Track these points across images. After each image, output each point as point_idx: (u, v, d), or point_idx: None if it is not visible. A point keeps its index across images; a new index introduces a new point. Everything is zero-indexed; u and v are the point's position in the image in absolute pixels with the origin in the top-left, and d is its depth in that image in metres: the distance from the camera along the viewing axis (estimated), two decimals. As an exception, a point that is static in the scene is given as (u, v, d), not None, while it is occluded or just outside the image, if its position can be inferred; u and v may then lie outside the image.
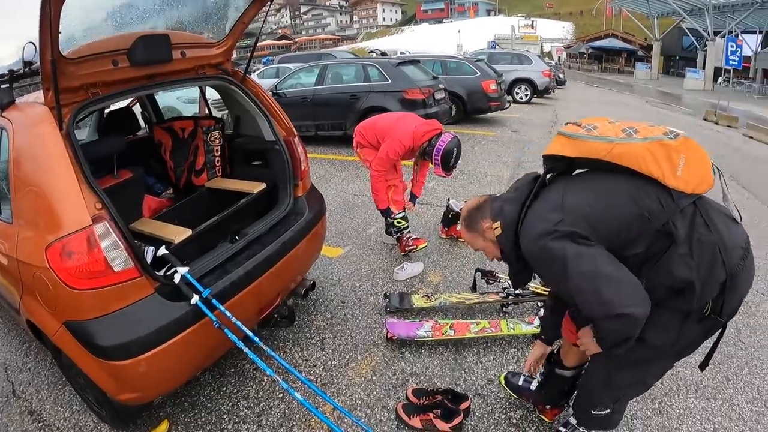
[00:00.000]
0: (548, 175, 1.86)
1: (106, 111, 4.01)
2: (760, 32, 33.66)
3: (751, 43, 32.51)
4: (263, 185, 3.27)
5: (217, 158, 3.66)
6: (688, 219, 1.64)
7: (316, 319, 3.48)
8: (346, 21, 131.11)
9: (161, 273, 2.24)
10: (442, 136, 4.01)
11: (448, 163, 3.98)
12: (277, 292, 2.89)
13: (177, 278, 2.18)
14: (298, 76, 10.09)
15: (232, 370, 2.99)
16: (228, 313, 2.23)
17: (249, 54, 3.52)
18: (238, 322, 2.25)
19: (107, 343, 2.00)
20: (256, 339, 2.31)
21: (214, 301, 2.22)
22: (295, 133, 3.38)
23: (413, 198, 4.64)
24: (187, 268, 2.25)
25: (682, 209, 1.65)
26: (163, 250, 2.31)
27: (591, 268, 1.60)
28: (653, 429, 2.55)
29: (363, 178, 6.91)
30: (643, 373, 1.98)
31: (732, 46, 17.29)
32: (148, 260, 2.30)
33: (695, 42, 39.43)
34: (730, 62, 17.16)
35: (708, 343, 1.88)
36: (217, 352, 2.58)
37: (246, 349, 2.23)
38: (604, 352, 1.80)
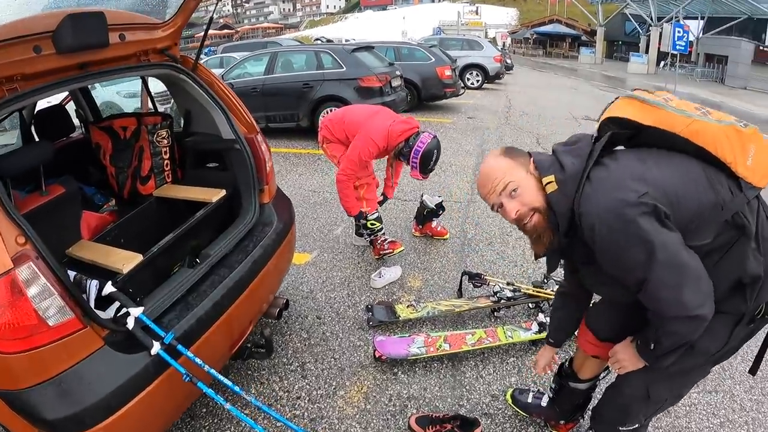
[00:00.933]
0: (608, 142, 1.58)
1: (35, 111, 3.39)
2: (702, 18, 35.42)
3: (693, 29, 34.14)
4: (223, 192, 2.80)
5: (165, 161, 3.16)
6: (755, 212, 1.50)
7: (291, 341, 3.08)
8: (289, 9, 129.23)
9: (109, 315, 1.80)
10: (421, 136, 3.66)
11: (427, 165, 3.66)
12: (249, 320, 2.48)
13: (131, 323, 1.73)
14: (245, 65, 9.55)
15: (204, 410, 2.54)
16: (198, 361, 1.82)
17: (199, 43, 3.06)
18: (212, 371, 1.85)
19: (54, 416, 1.57)
20: (236, 389, 1.92)
21: (179, 347, 1.80)
22: (257, 128, 2.95)
23: (384, 200, 4.31)
24: (141, 309, 1.79)
25: (749, 201, 1.49)
26: (109, 288, 1.83)
27: (678, 260, 1.39)
28: (664, 430, 2.45)
29: (321, 173, 6.54)
30: (680, 384, 1.81)
31: (679, 32, 17.85)
32: (92, 298, 1.85)
33: (638, 27, 41.07)
34: (677, 47, 17.79)
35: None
36: (186, 403, 2.17)
37: (220, 400, 1.82)
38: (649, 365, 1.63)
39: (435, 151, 3.65)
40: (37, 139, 3.23)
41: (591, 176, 1.47)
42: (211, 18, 3.11)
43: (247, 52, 13.84)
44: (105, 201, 3.27)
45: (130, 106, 8.07)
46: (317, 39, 36.48)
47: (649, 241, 1.36)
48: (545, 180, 1.56)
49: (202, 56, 2.98)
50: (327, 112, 8.32)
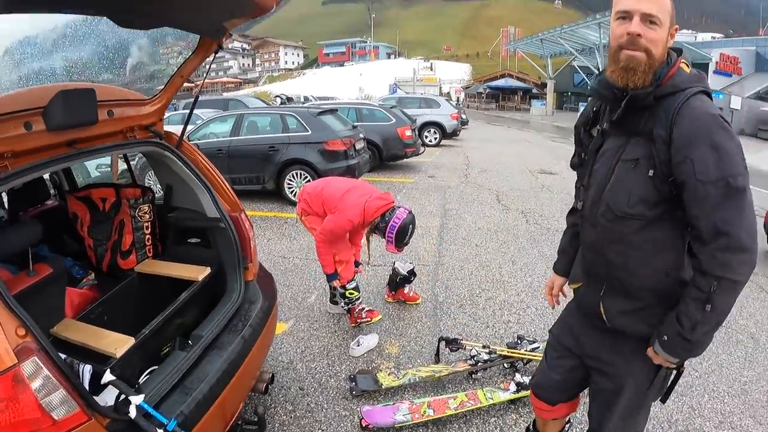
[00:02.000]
0: None
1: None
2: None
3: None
4: (208, 270, 2.82)
5: (147, 236, 3.15)
6: None
7: (277, 413, 3.07)
8: (249, 64, 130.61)
9: (108, 402, 1.80)
10: (397, 211, 3.76)
11: (402, 240, 3.76)
12: (241, 399, 2.49)
13: (133, 411, 1.73)
14: (211, 125, 9.60)
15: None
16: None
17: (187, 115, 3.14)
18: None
19: None
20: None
21: (182, 432, 1.81)
22: (241, 207, 3.02)
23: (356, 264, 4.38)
24: (142, 397, 1.79)
25: None
26: (108, 376, 1.81)
27: (748, 195, 1.48)
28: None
29: (290, 238, 6.57)
30: (635, 424, 1.89)
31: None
32: (86, 384, 1.85)
33: (586, 78, 43.46)
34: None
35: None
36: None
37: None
38: (687, 349, 1.60)
39: (410, 226, 3.77)
40: (6, 206, 3.18)
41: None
42: (197, 97, 3.24)
43: (208, 109, 13.92)
44: (84, 274, 3.18)
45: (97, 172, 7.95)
46: (277, 96, 36.92)
47: (738, 159, 1.46)
48: (683, 60, 1.63)
49: (184, 129, 3.03)
50: (295, 175, 8.49)
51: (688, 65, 1.63)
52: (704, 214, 1.46)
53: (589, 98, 1.89)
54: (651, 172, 1.56)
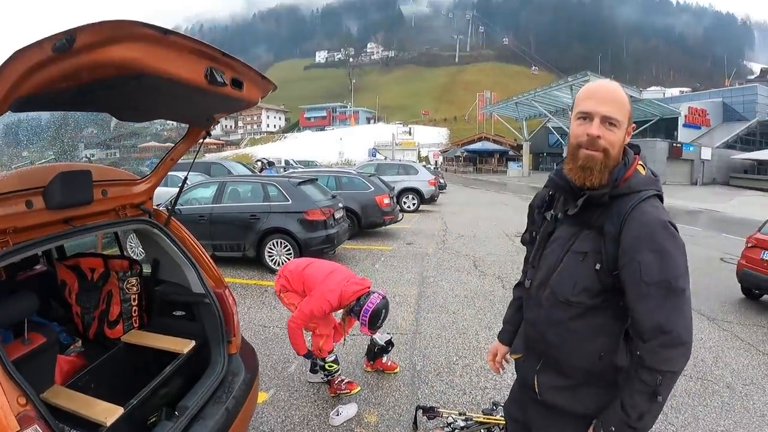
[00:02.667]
0: None
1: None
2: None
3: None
4: (192, 343, 2.94)
5: (134, 307, 3.27)
6: None
7: (256, 486, 3.12)
8: (231, 126, 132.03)
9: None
10: (371, 296, 3.96)
11: (375, 323, 3.94)
12: (223, 471, 2.56)
13: None
14: (194, 191, 9.75)
15: None
16: None
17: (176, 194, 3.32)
18: None
19: None
20: None
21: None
22: (225, 283, 3.17)
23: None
24: None
25: None
26: None
27: (687, 284, 1.60)
28: None
29: (270, 306, 6.64)
30: None
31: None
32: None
33: (560, 138, 44.94)
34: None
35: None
36: None
37: None
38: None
39: (383, 310, 3.95)
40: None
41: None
42: (185, 179, 3.42)
43: (192, 173, 14.04)
44: (71, 341, 3.27)
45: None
46: (258, 160, 37.37)
47: (680, 255, 1.58)
48: (639, 162, 1.74)
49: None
50: (276, 244, 8.62)
51: (644, 166, 1.75)
52: (647, 312, 1.57)
53: (547, 180, 1.97)
54: (598, 266, 1.66)
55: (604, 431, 1.65)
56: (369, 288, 4.06)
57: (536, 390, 1.86)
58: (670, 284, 1.55)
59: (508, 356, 2.22)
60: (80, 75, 1.68)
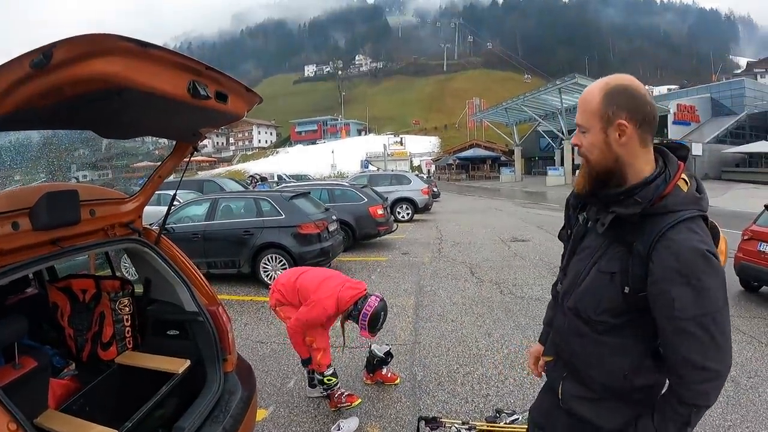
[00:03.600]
0: None
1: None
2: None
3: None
4: (187, 363, 2.88)
5: (127, 328, 3.19)
6: None
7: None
8: (223, 143, 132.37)
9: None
10: (369, 299, 3.92)
11: (375, 326, 3.89)
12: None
13: None
14: (186, 209, 9.71)
15: None
16: None
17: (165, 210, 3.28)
18: None
19: None
20: None
21: None
22: (218, 300, 3.12)
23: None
24: None
25: None
26: None
27: (726, 318, 1.48)
28: None
29: (267, 322, 6.57)
30: None
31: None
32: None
33: (551, 142, 45.22)
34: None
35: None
36: None
37: None
38: None
39: (382, 313, 3.91)
40: None
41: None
42: (173, 196, 3.37)
43: (185, 191, 14.06)
44: (64, 364, 3.23)
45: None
46: (251, 176, 37.34)
47: (719, 295, 1.43)
48: (683, 176, 1.56)
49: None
50: (271, 259, 8.56)
51: (688, 180, 1.57)
52: (682, 349, 1.47)
53: None
54: (626, 289, 1.54)
55: None
56: (365, 291, 4.01)
57: (559, 396, 1.81)
58: (706, 320, 1.42)
59: (541, 359, 2.11)
60: (60, 91, 1.65)
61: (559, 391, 1.81)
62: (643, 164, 1.57)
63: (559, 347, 1.83)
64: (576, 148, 1.67)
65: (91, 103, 1.84)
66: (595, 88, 1.58)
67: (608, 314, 1.60)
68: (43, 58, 1.52)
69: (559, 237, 2.04)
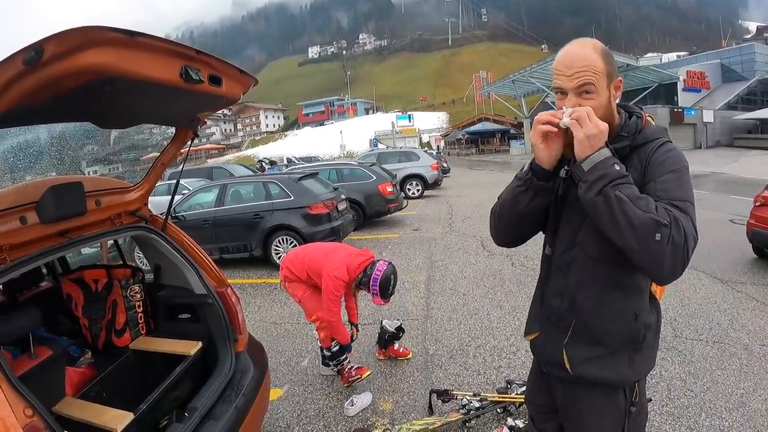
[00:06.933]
0: None
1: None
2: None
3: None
4: (199, 344, 2.95)
5: (139, 314, 3.26)
6: None
7: (276, 480, 3.14)
8: (231, 129, 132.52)
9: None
10: (377, 264, 3.98)
11: (387, 290, 3.94)
12: (238, 470, 2.57)
13: None
14: (195, 196, 9.81)
15: None
16: None
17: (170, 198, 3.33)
18: None
19: None
20: None
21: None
22: (227, 282, 3.17)
23: (354, 326, 4.48)
24: None
25: None
26: None
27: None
28: None
29: (280, 303, 6.65)
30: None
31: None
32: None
33: None
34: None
35: None
36: None
37: None
38: None
39: (392, 276, 3.96)
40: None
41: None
42: (177, 181, 3.42)
43: (193, 179, 14.14)
44: (81, 353, 3.27)
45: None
46: (260, 160, 37.37)
47: (690, 190, 1.56)
48: (648, 115, 1.74)
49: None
50: (282, 241, 8.66)
51: (653, 118, 1.76)
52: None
53: None
54: None
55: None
56: (373, 258, 4.08)
57: (567, 366, 1.77)
58: (685, 205, 1.51)
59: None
60: (55, 85, 1.68)
61: (565, 361, 1.78)
62: (616, 113, 1.71)
63: (558, 312, 1.81)
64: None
65: (87, 95, 1.87)
66: (589, 51, 1.60)
67: (614, 250, 1.56)
68: (34, 55, 1.55)
69: None
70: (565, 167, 1.74)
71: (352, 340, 4.21)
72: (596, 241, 1.65)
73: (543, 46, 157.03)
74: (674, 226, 1.43)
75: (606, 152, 1.54)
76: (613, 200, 1.47)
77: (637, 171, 1.60)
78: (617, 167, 1.52)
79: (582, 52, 1.60)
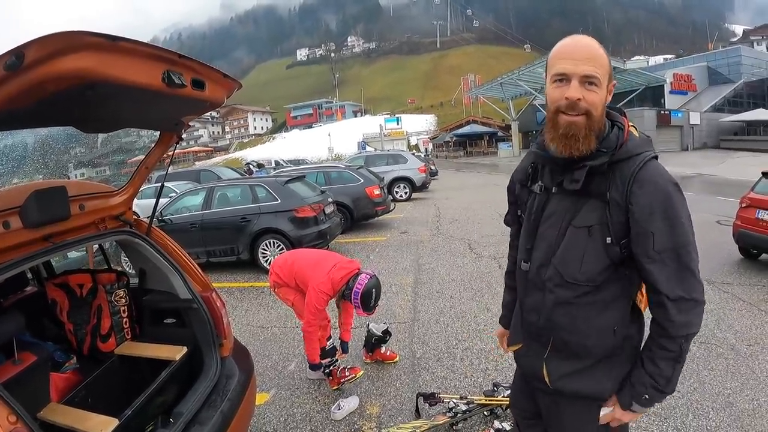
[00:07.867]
0: None
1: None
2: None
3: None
4: (184, 349, 2.92)
5: (124, 319, 3.24)
6: None
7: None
8: (219, 132, 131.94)
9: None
10: (359, 277, 3.98)
11: (369, 303, 3.94)
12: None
13: None
14: (182, 199, 9.69)
15: None
16: None
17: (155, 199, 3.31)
18: None
19: None
20: None
21: None
22: (212, 286, 3.15)
23: (344, 346, 4.47)
24: None
25: None
26: None
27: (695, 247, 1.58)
28: None
29: (267, 307, 6.63)
30: None
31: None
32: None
33: None
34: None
35: None
36: None
37: None
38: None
39: (374, 290, 3.96)
40: None
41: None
42: (161, 186, 3.39)
43: (181, 181, 14.04)
44: (66, 358, 3.24)
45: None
46: (248, 163, 37.18)
47: (687, 226, 1.54)
48: (630, 124, 1.65)
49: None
50: (269, 244, 8.61)
51: (636, 128, 1.66)
52: (662, 278, 1.53)
53: (526, 153, 1.87)
54: (609, 240, 1.57)
55: (638, 402, 1.64)
56: (357, 270, 4.07)
57: (546, 380, 1.76)
58: (682, 252, 1.52)
59: (506, 347, 2.13)
60: (36, 90, 1.66)
61: (545, 375, 1.77)
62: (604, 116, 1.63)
63: (536, 327, 1.78)
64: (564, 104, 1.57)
65: (69, 100, 1.86)
66: (596, 45, 1.57)
67: (594, 272, 1.60)
68: (15, 60, 1.54)
69: (505, 222, 2.06)
70: (539, 182, 1.75)
71: (333, 362, 4.12)
72: (574, 267, 1.63)
73: (526, 46, 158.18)
74: (695, 319, 1.57)
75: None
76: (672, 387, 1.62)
77: (618, 191, 1.55)
78: (649, 387, 1.61)
79: (591, 44, 1.57)
